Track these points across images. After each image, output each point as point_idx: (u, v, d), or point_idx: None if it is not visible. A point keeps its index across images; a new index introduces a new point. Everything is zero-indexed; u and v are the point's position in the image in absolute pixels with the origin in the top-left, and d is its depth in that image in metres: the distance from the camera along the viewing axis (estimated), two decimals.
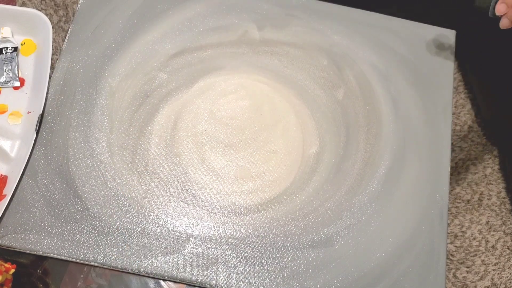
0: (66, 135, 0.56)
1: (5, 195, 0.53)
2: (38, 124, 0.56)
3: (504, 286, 0.61)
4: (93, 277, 0.52)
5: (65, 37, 0.61)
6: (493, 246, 0.63)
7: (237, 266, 0.52)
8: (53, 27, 0.59)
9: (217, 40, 0.62)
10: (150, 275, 0.52)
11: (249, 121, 0.59)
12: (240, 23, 0.63)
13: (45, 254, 0.52)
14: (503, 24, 0.50)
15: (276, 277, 0.52)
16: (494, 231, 0.65)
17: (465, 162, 0.61)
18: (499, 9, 0.50)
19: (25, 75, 0.60)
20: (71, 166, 0.55)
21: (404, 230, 0.55)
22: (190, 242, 0.53)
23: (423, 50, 0.63)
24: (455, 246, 0.61)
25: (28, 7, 0.63)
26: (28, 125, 0.57)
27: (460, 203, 0.59)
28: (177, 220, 0.54)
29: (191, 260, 0.52)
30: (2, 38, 0.60)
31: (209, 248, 0.53)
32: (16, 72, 0.59)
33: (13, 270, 0.51)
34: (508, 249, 0.63)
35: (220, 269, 0.52)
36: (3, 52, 0.59)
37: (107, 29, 0.62)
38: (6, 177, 0.55)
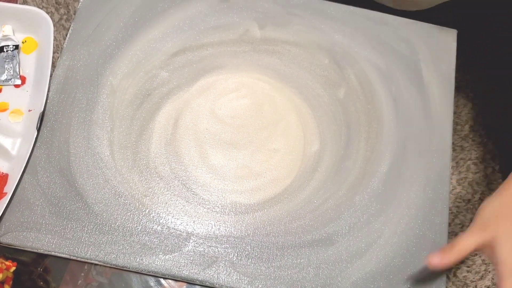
0: (67, 133, 0.56)
1: (6, 193, 0.53)
2: (39, 122, 0.56)
3: None
4: (93, 275, 0.52)
5: (66, 35, 0.61)
6: None
7: (237, 265, 0.52)
8: (54, 25, 0.59)
9: (218, 39, 0.62)
10: (150, 273, 0.52)
11: (250, 119, 0.59)
12: (241, 22, 0.63)
13: (46, 252, 0.52)
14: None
15: (277, 275, 0.52)
16: None
17: (466, 162, 0.61)
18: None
19: (26, 73, 0.60)
20: (72, 164, 0.55)
21: (404, 229, 0.55)
22: (191, 241, 0.53)
23: (424, 49, 0.63)
24: None
25: (29, 5, 0.63)
26: (29, 123, 0.57)
27: (460, 202, 0.59)
28: (178, 219, 0.54)
29: (191, 258, 0.52)
30: (3, 36, 0.60)
31: (210, 246, 0.53)
32: (17, 70, 0.59)
33: (14, 268, 0.51)
34: None
35: (220, 267, 0.52)
36: (4, 50, 0.59)
37: (108, 27, 0.62)
38: (7, 175, 0.55)
